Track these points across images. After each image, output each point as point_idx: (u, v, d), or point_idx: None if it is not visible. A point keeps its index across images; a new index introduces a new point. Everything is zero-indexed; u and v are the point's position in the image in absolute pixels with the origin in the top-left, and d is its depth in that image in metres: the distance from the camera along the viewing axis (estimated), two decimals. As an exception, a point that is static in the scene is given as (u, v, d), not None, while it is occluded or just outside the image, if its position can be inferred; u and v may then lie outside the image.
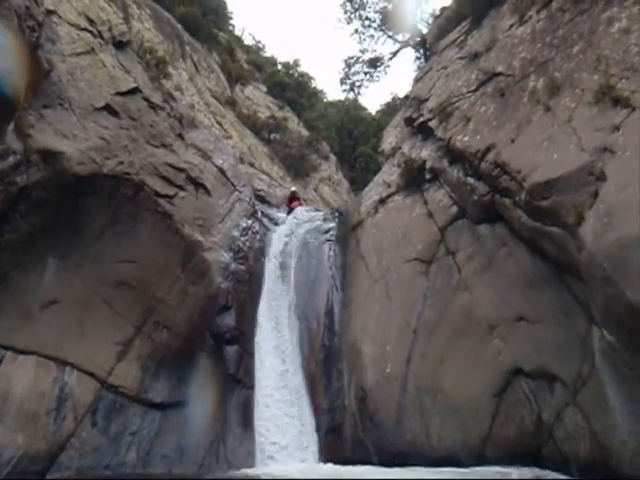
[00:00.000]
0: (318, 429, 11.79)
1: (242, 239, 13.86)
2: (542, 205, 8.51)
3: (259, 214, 15.47)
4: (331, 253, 14.47)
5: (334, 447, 11.42)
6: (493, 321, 9.97)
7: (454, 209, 11.60)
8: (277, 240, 15.09)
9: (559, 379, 8.53)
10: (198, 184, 13.06)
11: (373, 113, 40.86)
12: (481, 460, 9.17)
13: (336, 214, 16.10)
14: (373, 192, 14.71)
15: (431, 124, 13.08)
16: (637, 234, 6.67)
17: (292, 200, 12.90)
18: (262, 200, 18.09)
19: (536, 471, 8.34)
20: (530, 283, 9.32)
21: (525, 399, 9.12)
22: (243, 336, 12.74)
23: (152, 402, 11.19)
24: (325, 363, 12.78)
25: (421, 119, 13.75)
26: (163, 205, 11.83)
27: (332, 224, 15.41)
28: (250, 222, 14.55)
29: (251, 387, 12.26)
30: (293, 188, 12.85)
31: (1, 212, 9.46)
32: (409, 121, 14.72)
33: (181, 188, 12.47)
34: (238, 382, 12.24)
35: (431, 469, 9.17)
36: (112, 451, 10.44)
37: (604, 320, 7.30)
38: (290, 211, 14.15)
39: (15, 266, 10.04)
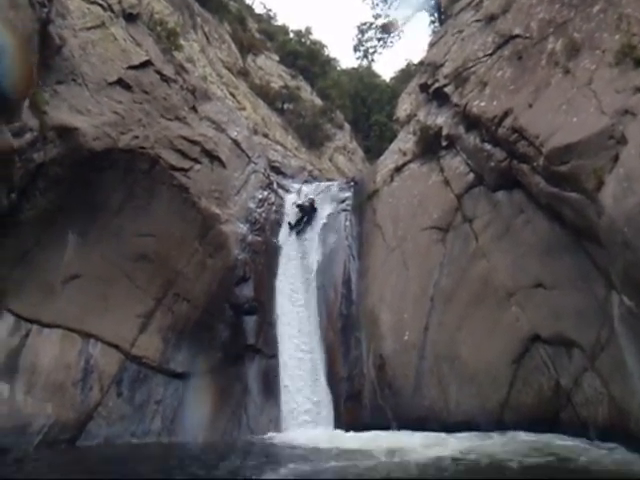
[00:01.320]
0: (337, 396, 11.97)
1: (258, 211, 13.92)
2: (561, 170, 8.38)
3: (274, 185, 15.46)
4: (347, 223, 14.45)
5: (353, 414, 11.59)
6: (511, 288, 9.94)
7: (471, 176, 11.47)
8: (292, 210, 15.09)
9: (577, 345, 8.52)
10: (213, 156, 13.08)
11: (387, 80, 40.17)
12: (499, 425, 9.24)
13: (351, 183, 16.01)
14: (388, 160, 14.58)
15: (447, 90, 12.84)
16: (658, 198, 6.55)
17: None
18: (277, 171, 18.07)
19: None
20: (548, 250, 9.24)
21: (543, 365, 9.14)
22: (262, 306, 12.90)
23: (174, 372, 11.45)
24: (343, 332, 12.88)
25: (436, 85, 13.50)
26: (179, 178, 11.89)
27: (348, 193, 15.33)
28: (266, 193, 14.57)
29: (271, 356, 12.46)
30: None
31: (20, 189, 9.58)
32: (424, 87, 14.46)
33: (196, 161, 12.50)
34: (258, 352, 12.45)
35: (450, 434, 9.25)
36: (138, 419, 10.76)
37: (623, 285, 7.25)
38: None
39: (36, 243, 10.24)
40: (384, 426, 10.54)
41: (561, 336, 8.88)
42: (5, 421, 9.36)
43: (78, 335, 10.56)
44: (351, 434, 10.62)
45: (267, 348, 12.54)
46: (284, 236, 14.40)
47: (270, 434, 10.97)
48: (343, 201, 15.08)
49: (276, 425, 11.50)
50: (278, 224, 14.47)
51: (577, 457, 6.59)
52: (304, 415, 11.66)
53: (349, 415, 11.60)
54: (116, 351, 10.92)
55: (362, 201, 14.43)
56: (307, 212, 14.58)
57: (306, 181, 17.52)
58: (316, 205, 14.81)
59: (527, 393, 9.29)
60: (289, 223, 14.59)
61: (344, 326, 12.95)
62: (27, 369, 9.89)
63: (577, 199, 8.18)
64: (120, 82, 11.45)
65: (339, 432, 11.00)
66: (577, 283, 8.56)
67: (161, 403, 11.14)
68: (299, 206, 14.75)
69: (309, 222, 14.49)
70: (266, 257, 13.54)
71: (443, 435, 9.24)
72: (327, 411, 11.76)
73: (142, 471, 7.69)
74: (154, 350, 11.30)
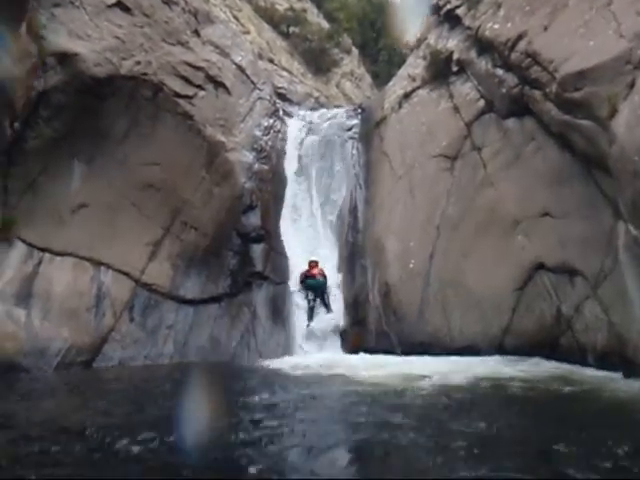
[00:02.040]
0: (344, 322, 12.31)
1: (264, 138, 13.76)
2: (574, 97, 8.16)
3: (280, 112, 15.20)
4: (354, 151, 14.30)
5: (359, 339, 11.97)
6: (517, 217, 9.94)
7: (481, 103, 11.21)
8: (298, 138, 14.90)
9: (581, 273, 8.62)
10: (217, 83, 12.79)
11: (397, 2, 38.49)
12: (500, 350, 9.52)
13: (359, 111, 15.70)
14: (397, 87, 14.21)
15: (459, 12, 12.33)
16: (672, 126, 6.42)
17: (311, 268, 12.27)
18: (283, 98, 17.69)
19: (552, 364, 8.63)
20: (557, 178, 9.17)
21: (546, 293, 9.28)
22: (269, 235, 13.04)
23: (184, 298, 11.74)
24: (349, 259, 13.08)
25: (448, 6, 12.94)
26: (183, 106, 11.70)
27: (355, 121, 15.07)
28: (272, 121, 14.35)
29: (279, 283, 12.72)
30: (313, 258, 12.40)
31: (23, 118, 9.49)
32: (435, 9, 13.87)
33: (200, 87, 12.24)
34: (266, 279, 12.70)
35: (452, 357, 9.54)
36: (150, 343, 11.14)
37: (631, 215, 7.24)
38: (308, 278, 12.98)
39: (42, 172, 10.24)
40: (388, 351, 10.89)
41: (565, 264, 8.96)
42: (24, 344, 9.72)
43: (89, 263, 10.76)
44: (358, 357, 10.99)
45: (275, 275, 12.78)
46: (291, 164, 14.30)
47: (278, 358, 11.36)
48: (350, 129, 14.85)
49: (284, 349, 11.89)
50: (284, 152, 14.35)
51: (602, 386, 6.76)
52: (312, 340, 12.04)
53: (355, 340, 11.98)
54: (127, 278, 11.14)
55: (369, 129, 14.21)
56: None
57: (313, 108, 17.18)
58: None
59: (529, 319, 9.50)
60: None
61: (350, 254, 13.14)
62: (41, 296, 10.16)
63: (589, 127, 8.02)
64: (119, 4, 11.04)
65: (347, 356, 11.38)
66: (584, 212, 8.55)
67: (172, 328, 11.49)
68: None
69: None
70: (273, 186, 13.53)
71: (454, 358, 9.52)
72: (335, 336, 12.13)
73: (154, 387, 8.08)
74: (164, 277, 11.53)
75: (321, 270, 12.57)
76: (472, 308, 10.19)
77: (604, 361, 7.92)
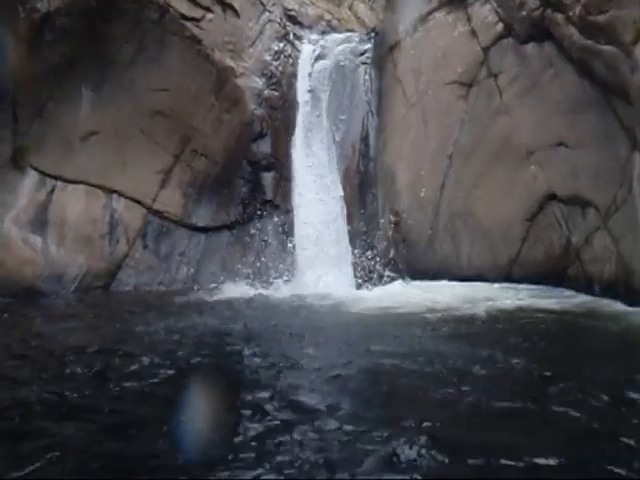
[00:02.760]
0: (353, 250, 12.45)
1: (274, 64, 13.38)
2: (598, 20, 7.82)
3: (291, 36, 14.67)
4: (366, 77, 13.90)
5: (369, 266, 12.14)
6: (531, 146, 9.79)
7: (500, 26, 10.74)
8: (309, 63, 14.46)
9: (593, 204, 8.58)
10: (225, 4, 12.29)
11: None
12: (507, 279, 9.67)
13: (372, 35, 15.10)
14: (412, 9, 13.56)
15: None
16: (698, 53, 6.19)
17: None
18: (294, 21, 16.98)
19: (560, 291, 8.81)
20: (574, 107, 8.94)
21: (556, 223, 9.30)
22: (279, 163, 12.96)
23: (196, 226, 11.89)
24: (360, 188, 13.04)
25: None
26: (190, 29, 11.33)
27: (368, 45, 14.53)
28: (282, 45, 13.89)
29: (290, 211, 12.77)
30: None
31: (27, 42, 9.29)
32: None
33: (208, 10, 11.80)
34: (276, 207, 12.75)
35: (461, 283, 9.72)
36: (164, 269, 11.42)
37: (648, 146, 7.13)
38: None
39: (50, 98, 10.15)
40: (397, 279, 11.06)
41: (577, 195, 8.92)
42: (42, 269, 10.03)
43: (101, 191, 10.86)
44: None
45: (285, 203, 12.82)
46: (301, 91, 13.96)
47: (287, 284, 11.58)
48: (363, 54, 14.35)
49: (294, 275, 12.10)
50: (295, 78, 13.97)
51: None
52: (323, 267, 12.22)
53: (364, 268, 12.16)
54: (139, 206, 11.27)
55: (383, 54, 13.72)
56: None
57: (324, 32, 16.53)
58: None
59: (537, 249, 9.58)
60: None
61: (361, 182, 13.08)
62: (56, 223, 10.34)
63: (611, 53, 7.73)
64: None
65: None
66: (600, 143, 8.40)
67: (185, 255, 11.72)
68: None
69: None
70: (283, 113, 13.30)
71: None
72: (345, 263, 12.30)
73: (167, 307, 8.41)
74: (175, 205, 11.63)
75: None
76: (481, 237, 10.26)
77: (609, 291, 8.05)
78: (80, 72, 10.25)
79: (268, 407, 3.48)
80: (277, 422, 3.22)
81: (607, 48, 7.79)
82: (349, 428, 3.05)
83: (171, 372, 4.39)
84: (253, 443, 2.90)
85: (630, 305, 7.32)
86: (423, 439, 2.76)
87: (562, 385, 3.81)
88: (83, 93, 10.50)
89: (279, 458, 2.71)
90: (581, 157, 8.80)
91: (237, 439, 2.98)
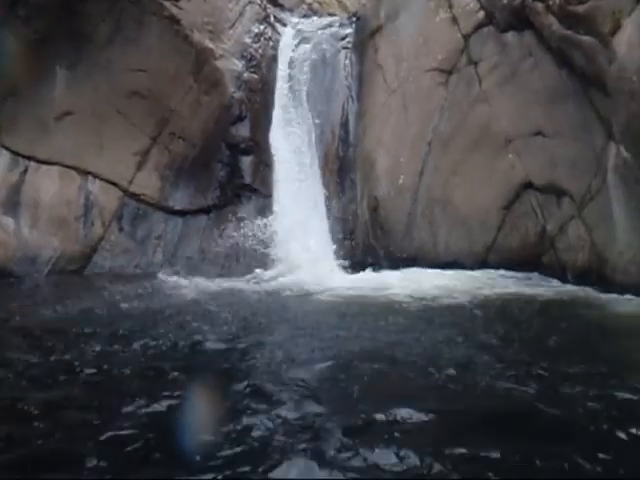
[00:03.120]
0: (332, 235, 12.46)
1: (254, 46, 13.22)
2: (577, 11, 7.88)
3: (272, 19, 14.49)
4: (347, 62, 13.82)
5: (347, 252, 12.19)
6: (510, 135, 9.88)
7: (481, 14, 10.76)
8: (289, 47, 14.32)
9: (568, 194, 8.72)
10: (205, -16, 12.09)
11: None
12: (483, 266, 9.78)
13: (353, 19, 14.99)
14: (394, -7, 13.53)
15: None
16: (674, 46, 6.29)
17: None
18: (274, 3, 16.75)
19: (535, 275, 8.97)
20: (552, 97, 9.03)
21: (532, 212, 9.43)
22: (258, 147, 12.86)
23: (173, 209, 11.77)
24: (339, 174, 13.02)
25: None
26: (169, 9, 11.12)
27: (349, 30, 14.43)
28: (262, 28, 13.71)
29: (268, 196, 12.70)
30: None
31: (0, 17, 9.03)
32: None
33: (187, -12, 11.59)
34: (255, 191, 12.67)
35: (438, 270, 9.81)
36: (140, 253, 11.29)
37: (623, 137, 7.24)
38: None
39: (24, 76, 9.88)
40: (375, 264, 11.13)
41: (553, 184, 9.05)
42: (15, 251, 9.86)
43: (76, 172, 10.67)
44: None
45: (264, 188, 12.74)
46: (281, 74, 13.83)
47: (265, 270, 11.56)
48: (344, 38, 14.25)
49: (273, 262, 12.09)
50: (275, 61, 13.83)
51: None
52: (301, 253, 12.21)
53: (342, 253, 12.19)
54: (115, 188, 11.11)
55: (364, 39, 13.65)
56: None
57: (305, 15, 16.36)
58: None
59: (513, 237, 9.71)
60: None
61: (340, 168, 13.06)
62: (29, 204, 10.15)
63: (590, 43, 7.81)
64: None
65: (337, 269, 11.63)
66: (577, 133, 8.51)
67: (162, 238, 11.60)
68: None
69: None
70: (263, 96, 13.17)
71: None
72: (324, 249, 12.30)
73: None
74: (152, 188, 11.49)
75: None
76: (458, 225, 10.35)
77: (582, 278, 8.21)
78: (55, 50, 10.02)
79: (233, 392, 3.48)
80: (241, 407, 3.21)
81: (586, 38, 7.86)
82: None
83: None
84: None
85: (603, 292, 7.47)
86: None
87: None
88: (58, 72, 10.27)
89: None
90: (558, 147, 8.91)
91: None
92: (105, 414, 3.12)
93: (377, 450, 2.57)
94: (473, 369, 3.95)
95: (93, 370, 3.96)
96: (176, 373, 3.87)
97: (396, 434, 2.74)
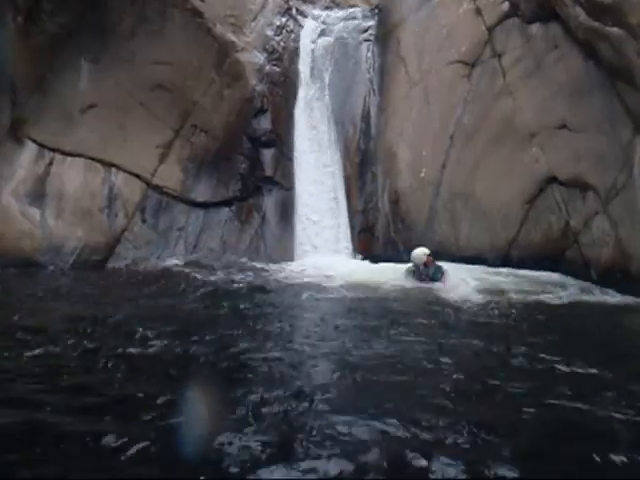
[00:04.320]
0: (352, 228, 12.47)
1: (276, 39, 13.22)
2: (605, 1, 7.72)
3: (293, 11, 14.46)
4: (369, 54, 13.75)
5: (367, 245, 12.18)
6: (534, 128, 9.74)
7: (505, 5, 10.60)
8: (311, 39, 14.28)
9: (593, 188, 8.57)
10: (227, -24, 12.11)
11: None
12: (506, 261, 9.69)
13: (376, 11, 14.89)
14: (417, -16, 13.39)
15: None
16: None
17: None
18: (296, -6, 16.72)
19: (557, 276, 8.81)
20: (578, 90, 8.87)
21: (556, 206, 9.29)
22: (279, 139, 12.89)
23: (195, 201, 11.86)
24: (360, 166, 13.01)
25: None
26: (192, 1, 11.16)
27: (371, 22, 14.33)
28: (284, 20, 13.70)
29: (289, 189, 12.75)
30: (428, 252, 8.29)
31: (26, 11, 9.16)
32: None
33: (209, -19, 11.62)
34: (276, 184, 12.72)
35: (461, 265, 9.70)
36: (162, 244, 11.41)
37: (651, 130, 7.10)
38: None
39: (49, 69, 10.05)
40: (395, 258, 11.09)
41: (578, 179, 8.90)
42: (40, 242, 10.03)
43: (100, 164, 10.81)
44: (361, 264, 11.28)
45: (285, 180, 12.78)
46: (303, 67, 13.82)
47: (287, 262, 11.61)
48: (366, 30, 14.17)
49: (292, 254, 12.14)
50: (297, 54, 13.82)
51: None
52: (322, 245, 12.25)
53: (363, 246, 12.21)
54: (138, 180, 11.22)
55: (386, 31, 13.56)
56: None
57: (327, 7, 16.29)
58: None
59: (536, 232, 9.58)
60: None
61: (361, 161, 13.04)
62: (55, 196, 10.31)
63: (618, 35, 7.64)
64: None
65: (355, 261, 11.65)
66: (603, 126, 8.35)
67: (184, 230, 11.70)
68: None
69: None
70: (284, 89, 13.17)
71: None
72: (344, 242, 12.33)
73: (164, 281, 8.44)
74: (174, 180, 11.58)
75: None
76: (481, 219, 10.26)
77: (606, 276, 8.08)
78: (79, 44, 10.13)
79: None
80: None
81: (613, 30, 7.70)
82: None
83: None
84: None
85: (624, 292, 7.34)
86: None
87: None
88: (82, 65, 10.40)
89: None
90: (583, 140, 8.75)
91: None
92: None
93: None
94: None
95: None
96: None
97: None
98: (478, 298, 6.93)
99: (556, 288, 7.94)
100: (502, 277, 8.90)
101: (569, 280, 8.48)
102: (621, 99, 8.07)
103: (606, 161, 8.29)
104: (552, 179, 9.37)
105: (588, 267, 8.53)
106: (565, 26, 9.06)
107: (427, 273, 7.06)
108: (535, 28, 9.85)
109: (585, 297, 7.40)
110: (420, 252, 7.30)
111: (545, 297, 7.28)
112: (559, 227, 9.20)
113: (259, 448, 2.54)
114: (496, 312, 6.18)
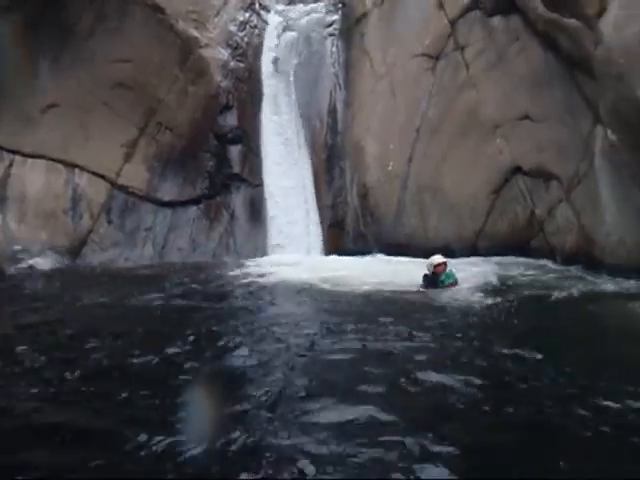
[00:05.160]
0: (322, 223, 12.46)
1: (240, 34, 13.10)
2: (563, -7, 7.87)
3: (257, 6, 14.35)
4: (334, 49, 13.74)
5: (337, 240, 12.20)
6: (497, 120, 9.89)
7: (467, -1, 10.73)
8: (275, 34, 14.19)
9: (556, 177, 8.77)
10: (188, -29, 11.93)
11: None
12: (473, 252, 9.83)
13: (339, 5, 14.86)
14: (380, -22, 13.42)
15: None
16: (659, 28, 6.29)
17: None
18: (259, -11, 16.60)
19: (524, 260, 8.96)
20: (539, 81, 9.04)
21: (521, 196, 9.47)
22: (246, 136, 12.79)
23: (162, 201, 11.71)
24: (328, 161, 13.00)
25: None
26: (152, -3, 10.99)
27: (335, 16, 14.31)
28: (248, 15, 13.59)
29: (257, 185, 12.67)
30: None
31: (-19, 8, 8.88)
32: None
33: (170, -24, 11.44)
34: (244, 181, 12.63)
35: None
36: (130, 245, 11.24)
37: (610, 119, 7.25)
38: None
39: (6, 69, 9.74)
40: (365, 252, 11.15)
41: (541, 168, 9.09)
42: (3, 247, 9.76)
43: (62, 165, 10.59)
44: (333, 257, 11.30)
45: (253, 177, 12.70)
46: (268, 62, 13.73)
47: (256, 259, 11.56)
48: (330, 25, 14.15)
49: (263, 250, 12.08)
50: (261, 49, 13.72)
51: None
52: (292, 241, 12.22)
53: (333, 241, 12.21)
54: (102, 181, 11.04)
55: (350, 25, 13.56)
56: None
57: (291, 2, 16.23)
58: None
59: (502, 222, 9.75)
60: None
61: (329, 156, 13.04)
62: (16, 198, 10.07)
63: (576, 27, 7.79)
64: None
65: (325, 257, 11.65)
66: (564, 117, 8.53)
67: (151, 230, 11.55)
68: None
69: None
70: (250, 85, 13.08)
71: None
72: (314, 237, 12.32)
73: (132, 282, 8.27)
74: (140, 179, 11.42)
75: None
76: (448, 211, 10.38)
77: (571, 261, 8.27)
78: (38, 42, 9.90)
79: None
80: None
81: (572, 22, 7.84)
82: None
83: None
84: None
85: (591, 274, 7.51)
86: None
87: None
88: (41, 64, 10.15)
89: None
90: (545, 131, 8.93)
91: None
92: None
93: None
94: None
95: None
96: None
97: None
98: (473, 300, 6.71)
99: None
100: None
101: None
102: (580, 90, 8.26)
103: (568, 151, 8.47)
104: (516, 169, 9.54)
105: (554, 254, 8.73)
106: (525, 18, 9.22)
107: (434, 280, 7.01)
108: (496, 21, 9.99)
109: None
110: (429, 261, 7.27)
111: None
112: (525, 216, 9.38)
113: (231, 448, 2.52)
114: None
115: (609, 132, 7.28)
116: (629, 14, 6.68)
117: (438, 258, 7.38)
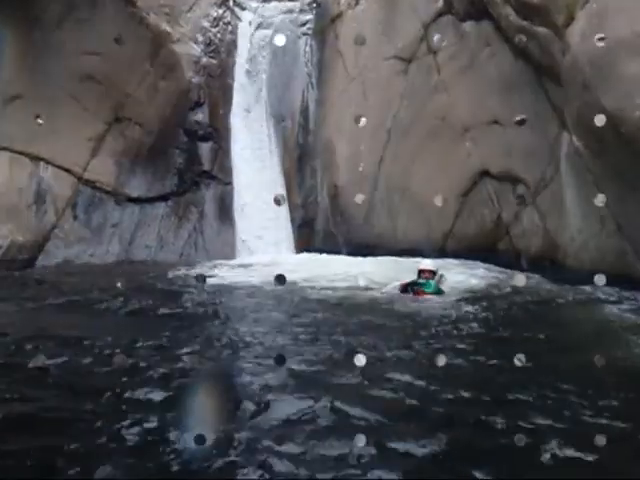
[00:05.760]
0: (292, 222, 12.46)
1: (213, 30, 12.98)
2: (533, 2, 8.01)
3: (231, 3, 14.23)
4: (307, 48, 13.74)
5: (307, 239, 12.21)
6: (467, 124, 10.03)
7: (440, 3, 10.80)
8: (249, 32, 14.11)
9: (523, 181, 8.93)
10: (161, -36, 11.77)
11: None
12: (441, 253, 9.93)
13: (314, 5, 14.86)
14: (354, -21, 13.47)
15: None
16: (624, 39, 6.45)
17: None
18: (233, -15, 16.48)
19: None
20: (509, 86, 9.19)
21: (488, 199, 9.63)
22: (217, 133, 12.70)
23: (130, 197, 11.52)
24: (299, 161, 13.02)
25: None
26: (124, -11, 10.80)
27: (309, 16, 14.29)
28: (221, 12, 13.46)
29: (227, 183, 12.58)
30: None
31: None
32: None
33: (142, -31, 11.26)
34: (213, 178, 12.53)
35: (397, 258, 9.83)
36: (96, 242, 11.01)
37: (575, 126, 7.41)
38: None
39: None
40: (335, 251, 11.19)
41: (509, 172, 9.25)
42: (-39, 241, 9.46)
43: (27, 158, 10.30)
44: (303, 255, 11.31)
45: (223, 175, 12.62)
46: (241, 60, 13.64)
47: (225, 258, 11.47)
48: (304, 24, 14.13)
49: (231, 249, 12.01)
50: (234, 46, 13.62)
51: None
52: (262, 240, 12.18)
53: (303, 240, 12.23)
54: (68, 175, 10.79)
55: (324, 25, 13.58)
56: None
57: (265, 0, 16.15)
58: None
59: (470, 224, 9.91)
60: None
61: (300, 155, 13.06)
62: (-23, 191, 9.76)
63: (545, 34, 7.95)
64: None
65: (296, 255, 11.65)
66: (532, 122, 8.68)
67: (118, 226, 11.34)
68: None
69: None
70: (221, 81, 12.98)
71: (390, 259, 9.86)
72: (285, 236, 12.31)
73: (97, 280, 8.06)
74: (108, 174, 11.20)
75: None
76: (417, 213, 10.49)
77: (536, 265, 8.43)
78: (3, 31, 9.59)
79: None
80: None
81: (541, 30, 8.00)
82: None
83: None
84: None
85: (553, 281, 7.65)
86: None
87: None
88: (6, 53, 9.86)
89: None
90: (514, 135, 9.09)
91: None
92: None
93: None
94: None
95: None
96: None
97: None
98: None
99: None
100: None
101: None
102: (548, 96, 8.43)
103: (535, 155, 8.64)
104: (485, 173, 9.69)
105: (519, 257, 8.89)
106: (496, 24, 9.35)
107: (411, 283, 6.79)
108: (468, 26, 10.12)
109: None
110: (420, 265, 7.02)
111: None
112: (492, 219, 9.53)
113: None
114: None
115: (574, 138, 7.45)
116: (596, 24, 6.85)
117: (425, 263, 7.13)
